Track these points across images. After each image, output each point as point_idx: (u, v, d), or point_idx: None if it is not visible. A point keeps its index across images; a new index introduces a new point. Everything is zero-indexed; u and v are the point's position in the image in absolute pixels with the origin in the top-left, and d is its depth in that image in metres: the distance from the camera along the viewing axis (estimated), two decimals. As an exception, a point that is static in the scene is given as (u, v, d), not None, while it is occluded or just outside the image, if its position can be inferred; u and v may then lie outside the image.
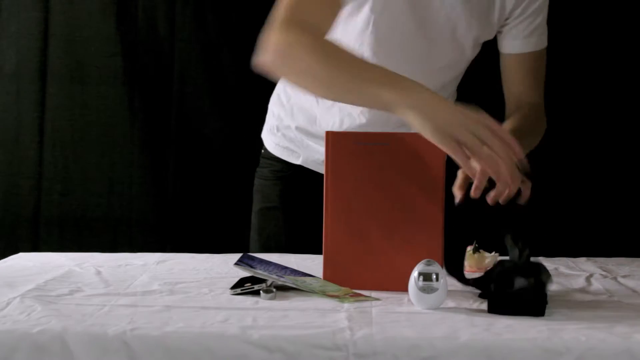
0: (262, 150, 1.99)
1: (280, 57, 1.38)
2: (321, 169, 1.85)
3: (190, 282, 1.47)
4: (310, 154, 1.87)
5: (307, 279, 1.43)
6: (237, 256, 1.49)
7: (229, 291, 1.37)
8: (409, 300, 1.31)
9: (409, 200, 1.40)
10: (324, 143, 1.83)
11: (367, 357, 1.10)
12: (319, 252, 1.44)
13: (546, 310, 1.26)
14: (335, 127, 1.80)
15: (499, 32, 1.80)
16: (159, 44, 2.53)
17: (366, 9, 1.68)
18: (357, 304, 1.31)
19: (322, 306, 1.29)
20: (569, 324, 1.19)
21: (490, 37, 1.80)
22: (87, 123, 2.54)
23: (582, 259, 1.75)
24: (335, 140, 1.43)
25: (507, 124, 1.68)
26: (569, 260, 1.74)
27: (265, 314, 1.24)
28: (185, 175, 2.55)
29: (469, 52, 1.80)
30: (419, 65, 1.74)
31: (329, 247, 1.43)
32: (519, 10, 1.77)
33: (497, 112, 2.38)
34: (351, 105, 1.73)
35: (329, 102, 1.79)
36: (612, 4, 2.42)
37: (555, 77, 2.43)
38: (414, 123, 1.28)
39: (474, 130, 1.25)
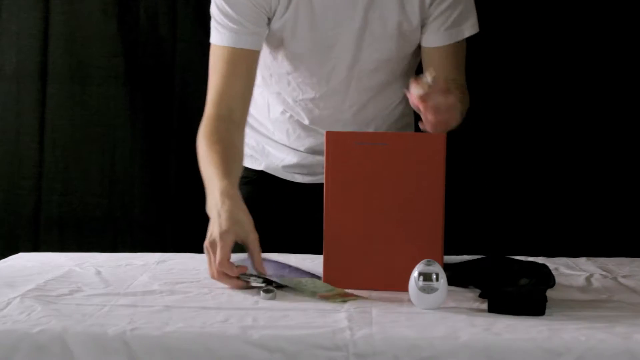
0: None
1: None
2: (283, 175, 1.91)
3: (190, 282, 1.47)
4: (271, 161, 1.93)
5: (303, 279, 1.43)
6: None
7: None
8: (409, 300, 1.31)
9: (409, 200, 1.40)
10: (282, 150, 1.88)
11: (367, 357, 1.10)
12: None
13: (546, 310, 1.26)
14: (284, 138, 1.90)
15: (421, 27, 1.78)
16: (160, 44, 2.53)
17: (274, 29, 1.73)
18: (357, 304, 1.31)
19: (322, 306, 1.29)
20: (569, 324, 1.19)
21: (413, 27, 1.78)
22: (87, 123, 2.54)
23: (582, 259, 1.75)
24: (334, 140, 1.43)
25: None
26: (569, 260, 1.73)
27: (265, 314, 1.24)
28: (186, 175, 2.54)
29: (395, 46, 1.78)
30: (346, 71, 1.78)
31: (329, 247, 1.43)
32: (443, 6, 1.75)
33: (497, 109, 2.40)
34: (296, 117, 1.87)
35: (277, 114, 1.89)
36: (612, 4, 2.42)
37: (556, 77, 2.43)
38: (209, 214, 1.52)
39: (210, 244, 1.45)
